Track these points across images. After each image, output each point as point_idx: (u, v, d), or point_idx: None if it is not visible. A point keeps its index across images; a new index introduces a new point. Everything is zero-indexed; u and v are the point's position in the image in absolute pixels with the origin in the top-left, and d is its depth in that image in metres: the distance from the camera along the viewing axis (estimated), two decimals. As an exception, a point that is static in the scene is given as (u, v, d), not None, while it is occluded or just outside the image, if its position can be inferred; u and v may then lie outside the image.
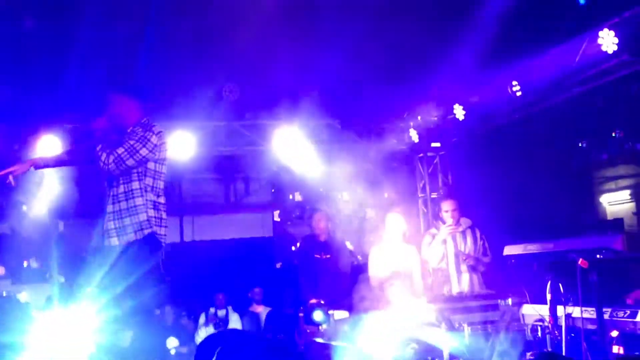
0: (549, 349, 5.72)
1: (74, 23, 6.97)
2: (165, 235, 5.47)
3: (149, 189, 5.41)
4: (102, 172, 5.40)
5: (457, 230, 7.80)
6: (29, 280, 10.62)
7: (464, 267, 7.77)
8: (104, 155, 5.33)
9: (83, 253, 6.09)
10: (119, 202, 5.40)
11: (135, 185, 5.39)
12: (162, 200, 5.51)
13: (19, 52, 7.38)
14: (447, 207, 7.94)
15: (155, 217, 5.40)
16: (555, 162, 9.89)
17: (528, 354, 5.39)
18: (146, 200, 5.37)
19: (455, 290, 7.64)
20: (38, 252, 9.70)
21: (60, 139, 8.68)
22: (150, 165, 5.43)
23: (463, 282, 7.73)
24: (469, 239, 7.91)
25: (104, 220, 5.51)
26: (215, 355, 2.44)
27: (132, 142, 5.36)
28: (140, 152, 5.35)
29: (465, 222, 7.88)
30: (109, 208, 5.46)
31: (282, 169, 10.33)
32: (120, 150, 5.33)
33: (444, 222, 7.91)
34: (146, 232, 5.35)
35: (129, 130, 5.49)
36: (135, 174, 5.40)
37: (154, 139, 5.41)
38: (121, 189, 5.41)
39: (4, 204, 9.70)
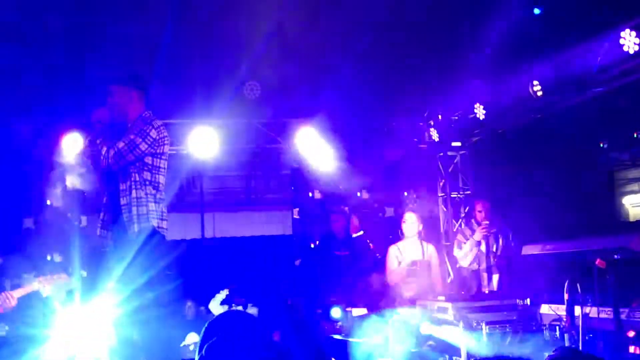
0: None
1: (97, 19, 7.04)
2: (166, 229, 5.51)
3: (147, 182, 5.41)
4: (101, 166, 5.43)
5: (492, 231, 7.87)
6: (52, 274, 10.72)
7: (494, 267, 7.84)
8: (104, 149, 5.35)
9: (105, 248, 6.18)
10: (120, 196, 5.42)
11: (135, 177, 5.40)
12: (161, 195, 5.51)
13: (42, 49, 7.46)
14: (480, 207, 8.03)
15: (155, 211, 5.42)
16: (576, 163, 9.82)
17: (546, 354, 5.38)
18: (146, 193, 5.38)
19: (486, 289, 7.71)
20: (61, 246, 9.82)
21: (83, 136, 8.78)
22: (148, 159, 5.41)
23: (494, 281, 7.81)
24: (501, 239, 7.97)
25: (106, 214, 5.56)
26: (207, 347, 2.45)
27: (132, 137, 5.37)
28: (140, 146, 5.34)
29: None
30: (112, 201, 5.50)
31: (302, 167, 10.36)
32: (120, 145, 5.32)
33: (477, 221, 7.97)
34: (143, 225, 5.38)
35: (129, 125, 5.52)
36: (134, 168, 5.41)
37: (153, 133, 5.41)
38: (121, 182, 5.43)
39: (28, 198, 9.84)
